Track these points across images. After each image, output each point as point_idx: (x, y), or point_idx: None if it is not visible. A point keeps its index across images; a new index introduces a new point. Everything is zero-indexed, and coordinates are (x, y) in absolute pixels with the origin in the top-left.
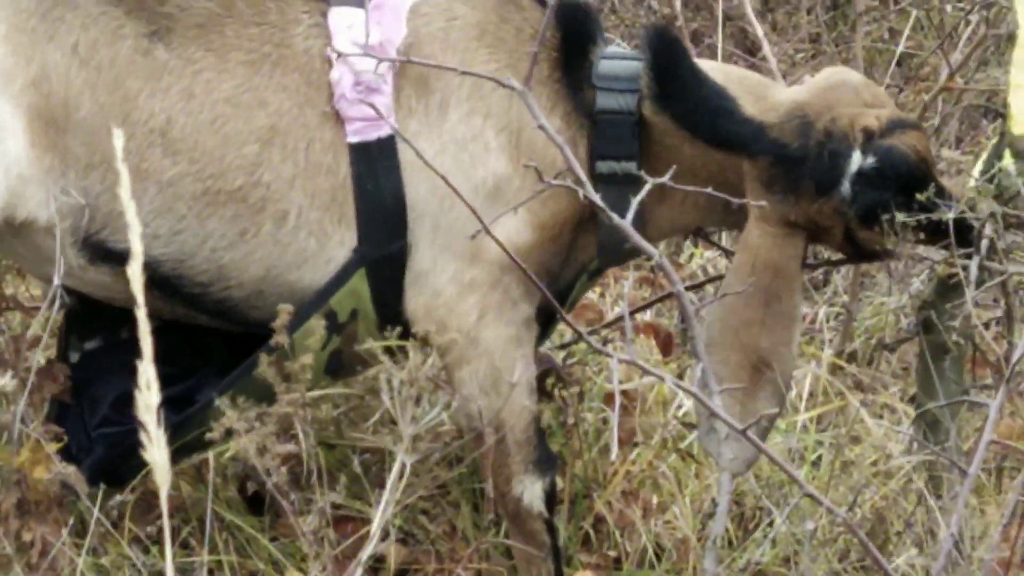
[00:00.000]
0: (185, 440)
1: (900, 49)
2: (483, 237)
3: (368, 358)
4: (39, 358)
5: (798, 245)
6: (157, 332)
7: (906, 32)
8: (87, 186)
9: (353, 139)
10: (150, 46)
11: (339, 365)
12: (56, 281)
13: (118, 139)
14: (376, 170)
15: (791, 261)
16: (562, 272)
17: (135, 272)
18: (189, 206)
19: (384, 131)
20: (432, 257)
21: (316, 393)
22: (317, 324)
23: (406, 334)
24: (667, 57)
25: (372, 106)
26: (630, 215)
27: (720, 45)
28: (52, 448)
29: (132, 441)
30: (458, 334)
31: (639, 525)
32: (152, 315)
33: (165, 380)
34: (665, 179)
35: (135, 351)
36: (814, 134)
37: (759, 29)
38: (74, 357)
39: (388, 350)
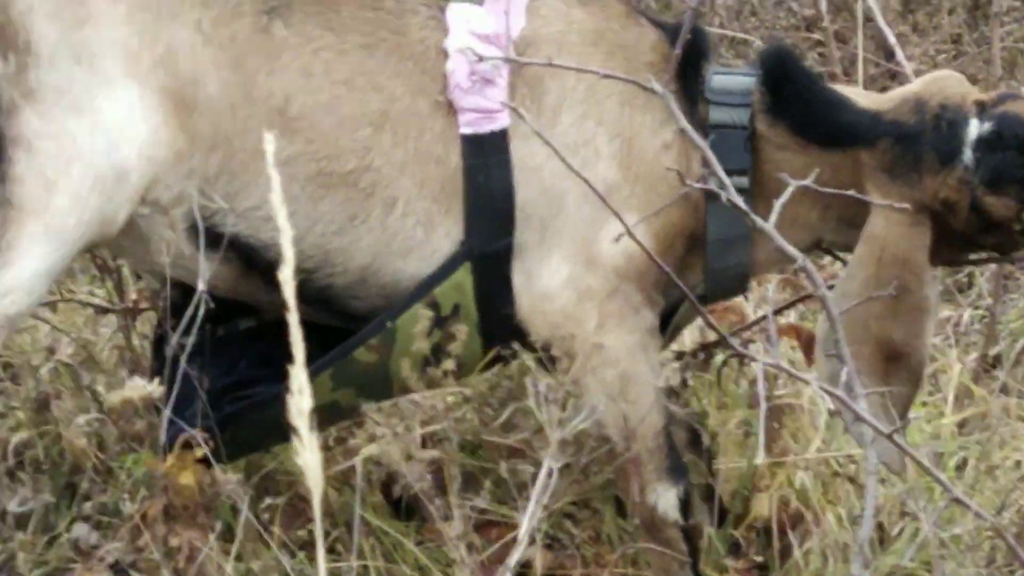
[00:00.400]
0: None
1: None
2: (596, 243)
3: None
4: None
5: (924, 234)
6: (256, 333)
7: None
8: (208, 168)
9: (466, 130)
10: (269, 23)
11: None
12: (201, 286)
13: (269, 144)
14: (488, 164)
15: (918, 251)
16: (668, 290)
17: (286, 277)
18: (302, 187)
19: (497, 125)
20: (541, 259)
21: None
22: (423, 313)
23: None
24: (781, 68)
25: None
26: (774, 217)
27: (860, 46)
28: (199, 453)
29: (226, 428)
30: (579, 341)
31: (788, 531)
32: (245, 304)
33: (254, 380)
34: (808, 181)
35: (229, 349)
36: (929, 109)
37: (891, 36)
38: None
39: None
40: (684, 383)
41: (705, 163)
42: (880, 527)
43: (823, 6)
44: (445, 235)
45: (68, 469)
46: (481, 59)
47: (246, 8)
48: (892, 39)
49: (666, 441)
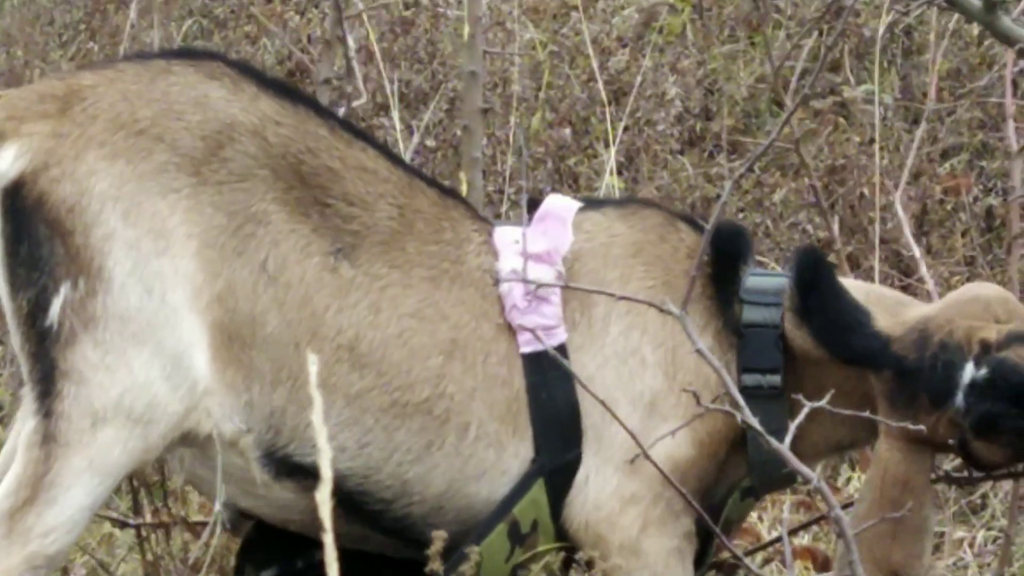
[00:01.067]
0: None
1: None
2: (654, 442)
3: None
4: None
5: (925, 459)
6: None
7: None
8: (273, 401)
9: (526, 349)
10: (336, 263)
11: None
12: (216, 506)
13: (312, 364)
14: (548, 379)
15: (919, 475)
16: (715, 489)
17: (324, 496)
18: (376, 418)
19: (554, 340)
20: (595, 468)
21: None
22: (501, 534)
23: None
24: (812, 272)
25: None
26: (788, 439)
27: (877, 267)
28: None
29: None
30: (620, 548)
31: None
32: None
33: None
34: (823, 403)
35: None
36: (930, 347)
37: (916, 250)
38: None
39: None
40: None
41: (738, 361)
42: None
43: (835, 229)
44: (513, 455)
45: None
46: (525, 282)
47: (314, 248)
48: (917, 252)
49: None
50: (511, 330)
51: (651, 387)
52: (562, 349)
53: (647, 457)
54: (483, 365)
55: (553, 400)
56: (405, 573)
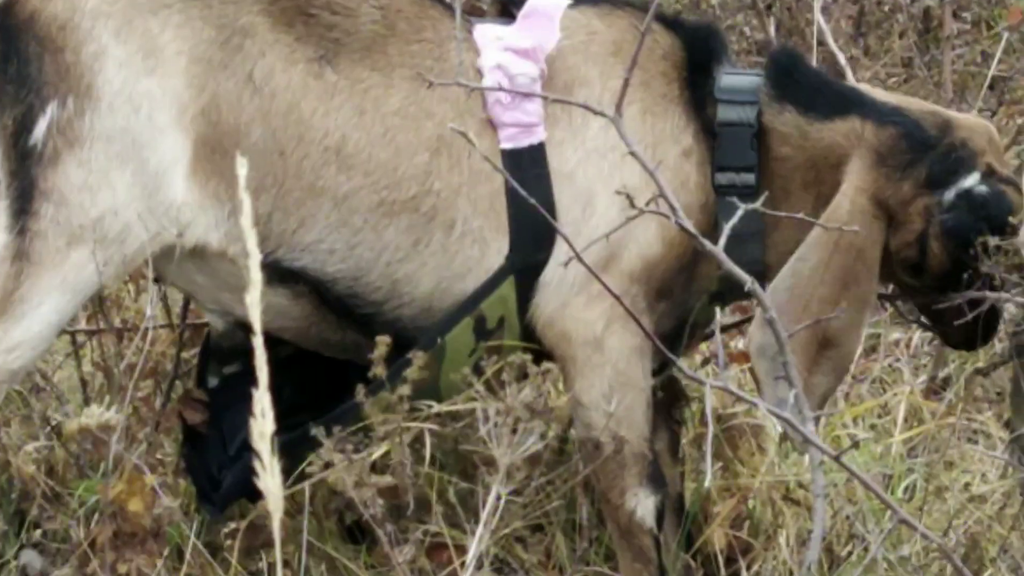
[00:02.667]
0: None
1: (992, 72)
2: (616, 246)
3: (462, 386)
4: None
5: (882, 231)
6: (296, 359)
7: (998, 55)
8: (257, 208)
9: (506, 145)
10: (320, 69)
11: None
12: (148, 310)
13: (241, 167)
14: (527, 177)
15: (874, 245)
16: (684, 295)
17: (253, 300)
18: (365, 218)
19: (535, 138)
20: (559, 266)
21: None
22: (467, 328)
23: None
24: (791, 59)
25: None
26: (722, 242)
27: None
28: (151, 480)
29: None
30: (584, 343)
31: (738, 555)
32: (317, 345)
33: (298, 407)
34: (756, 205)
35: (278, 377)
36: (952, 135)
37: (842, 57)
38: (213, 382)
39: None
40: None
41: (722, 162)
42: (829, 550)
43: (773, 31)
44: (497, 252)
45: (17, 496)
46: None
47: (298, 56)
48: (843, 60)
49: (651, 448)
50: (493, 126)
51: (628, 183)
52: (540, 148)
53: (580, 260)
54: (468, 160)
55: (524, 199)
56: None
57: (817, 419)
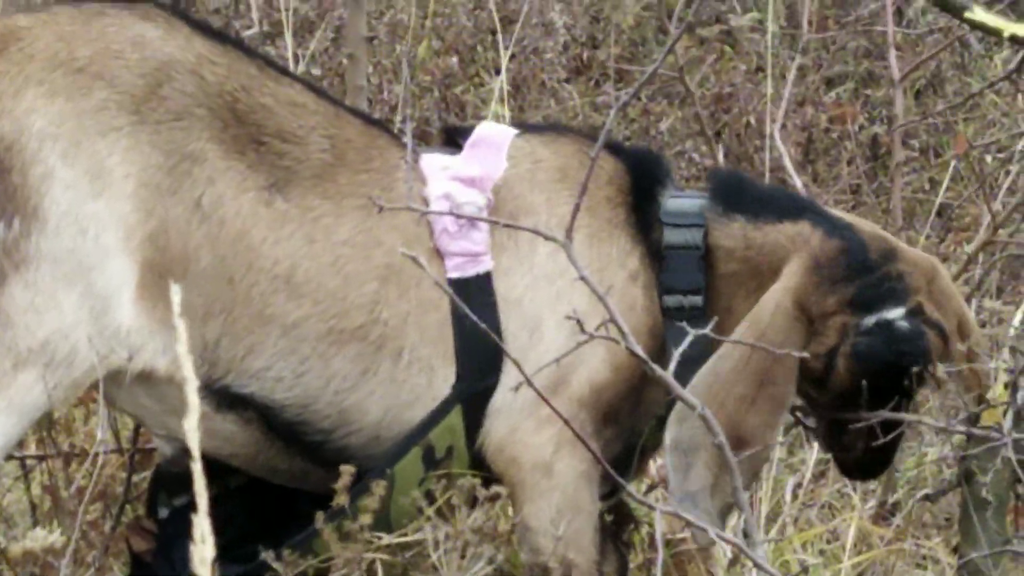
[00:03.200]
0: None
1: (940, 199)
2: (563, 372)
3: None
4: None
5: (803, 335)
6: (247, 488)
7: (946, 182)
8: (205, 334)
9: (453, 275)
10: (271, 197)
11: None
12: (100, 434)
13: (176, 295)
14: (474, 306)
15: (793, 347)
16: (632, 419)
17: (191, 426)
18: (313, 347)
19: (481, 267)
20: (508, 392)
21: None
22: (416, 458)
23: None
24: (733, 174)
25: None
26: (672, 366)
27: None
28: None
29: None
30: (533, 467)
31: None
32: (266, 472)
33: (249, 535)
34: (706, 330)
35: (228, 506)
36: (892, 265)
37: (798, 181)
38: (163, 512)
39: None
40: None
41: (670, 285)
42: None
43: (722, 157)
44: (444, 380)
45: None
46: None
47: (249, 184)
48: (799, 184)
49: (599, 571)
50: (441, 255)
51: (578, 308)
52: (487, 276)
53: (529, 384)
54: (416, 289)
55: (476, 326)
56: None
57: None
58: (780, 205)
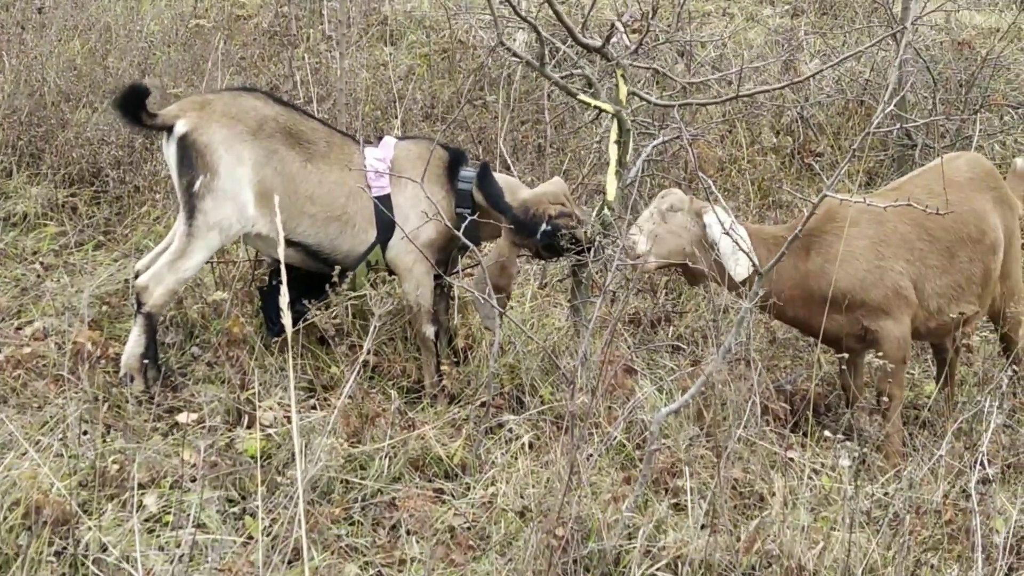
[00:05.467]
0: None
1: None
2: (418, 232)
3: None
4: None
5: (516, 254)
6: (300, 275)
7: None
8: (281, 218)
9: (377, 194)
10: (304, 164)
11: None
12: (282, 256)
13: (276, 202)
14: (383, 205)
15: (512, 261)
16: (448, 249)
17: (280, 252)
18: (321, 223)
19: (385, 191)
20: (397, 239)
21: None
22: (363, 266)
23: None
24: (484, 170)
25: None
26: (461, 230)
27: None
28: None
29: (296, 313)
30: (405, 268)
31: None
32: (306, 267)
33: (300, 293)
34: (474, 217)
35: (292, 282)
36: (530, 214)
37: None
38: (274, 281)
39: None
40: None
41: (459, 203)
42: None
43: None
44: (372, 235)
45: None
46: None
47: (295, 156)
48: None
49: (433, 310)
50: (370, 187)
51: (424, 208)
52: (388, 196)
53: (408, 239)
54: (361, 199)
55: (383, 213)
56: (320, 282)
57: (501, 314)
58: (493, 201)
